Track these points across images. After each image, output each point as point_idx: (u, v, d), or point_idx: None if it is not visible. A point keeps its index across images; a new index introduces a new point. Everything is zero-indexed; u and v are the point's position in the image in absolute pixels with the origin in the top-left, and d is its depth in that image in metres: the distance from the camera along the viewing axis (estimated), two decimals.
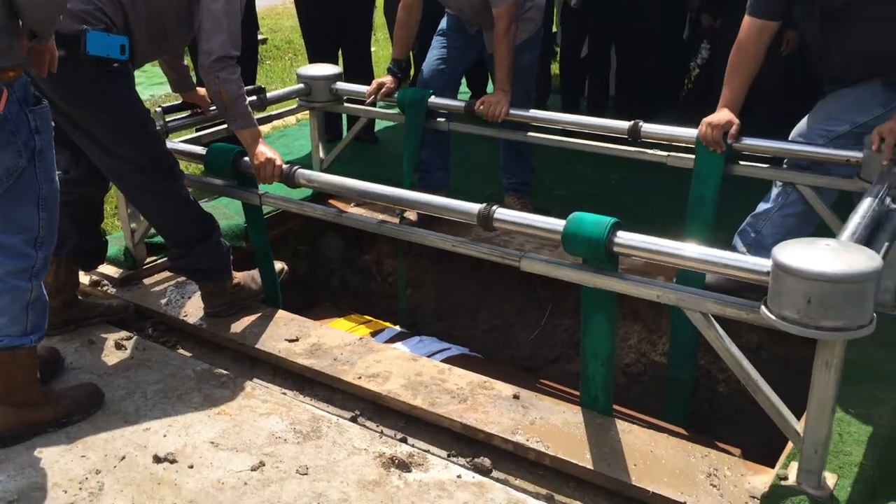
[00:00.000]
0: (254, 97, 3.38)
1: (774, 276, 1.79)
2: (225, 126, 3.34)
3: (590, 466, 2.14)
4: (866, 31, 2.60)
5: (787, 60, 4.20)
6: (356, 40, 5.24)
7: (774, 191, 2.86)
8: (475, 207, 2.29)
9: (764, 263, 1.84)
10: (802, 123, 2.81)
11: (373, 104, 3.74)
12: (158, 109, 3.12)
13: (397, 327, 3.49)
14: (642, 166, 3.27)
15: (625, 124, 3.09)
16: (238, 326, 2.86)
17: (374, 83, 3.69)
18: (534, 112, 3.44)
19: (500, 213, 2.27)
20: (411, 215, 3.53)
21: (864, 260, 1.74)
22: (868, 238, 2.05)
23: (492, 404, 2.41)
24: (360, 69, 5.08)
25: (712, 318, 1.99)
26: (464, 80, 5.17)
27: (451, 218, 2.36)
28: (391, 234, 2.60)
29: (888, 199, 2.28)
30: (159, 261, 3.28)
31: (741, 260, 1.92)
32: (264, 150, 2.69)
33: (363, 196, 2.61)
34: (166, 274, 3.25)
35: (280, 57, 9.23)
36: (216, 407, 2.44)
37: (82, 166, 2.68)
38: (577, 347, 3.55)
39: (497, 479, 2.18)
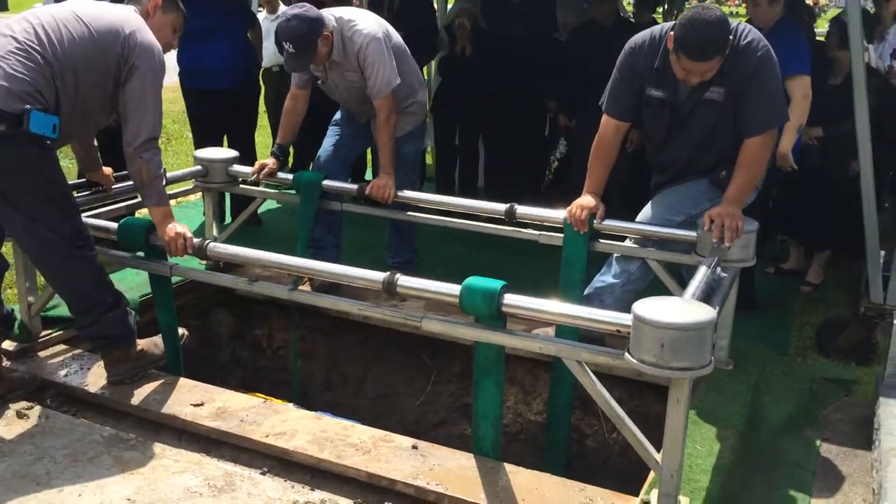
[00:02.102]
0: None
1: (635, 327, 2.19)
2: (124, 204, 3.50)
3: (484, 503, 2.42)
4: (700, 136, 3.17)
5: (632, 156, 4.83)
6: (242, 128, 5.51)
7: (616, 268, 3.32)
8: (381, 275, 2.59)
9: (626, 317, 2.23)
10: (646, 211, 3.32)
11: (255, 184, 3.98)
12: None
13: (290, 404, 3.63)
14: (512, 246, 3.66)
15: (502, 206, 3.50)
16: (141, 393, 2.96)
17: (257, 164, 3.93)
18: (421, 194, 3.81)
19: (403, 279, 2.57)
20: (305, 288, 3.76)
21: (703, 312, 2.17)
22: (703, 299, 2.50)
23: (393, 454, 2.65)
24: (245, 154, 5.33)
25: (585, 366, 2.36)
26: None
27: (356, 285, 2.63)
28: (300, 299, 2.83)
29: (718, 269, 2.77)
30: (54, 334, 3.33)
31: (609, 315, 2.31)
32: (175, 226, 2.89)
33: (276, 266, 2.83)
34: (62, 346, 3.30)
35: (166, 141, 9.28)
36: (128, 467, 2.53)
37: None
38: (462, 411, 3.89)
39: None
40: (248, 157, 5.42)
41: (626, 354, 2.23)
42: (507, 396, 3.81)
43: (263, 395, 3.63)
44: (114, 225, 3.03)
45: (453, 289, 2.49)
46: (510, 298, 2.43)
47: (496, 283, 2.44)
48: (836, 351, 3.80)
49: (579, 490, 2.49)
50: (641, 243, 3.31)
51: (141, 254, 3.03)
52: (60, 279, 2.88)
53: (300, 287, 3.76)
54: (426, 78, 6.29)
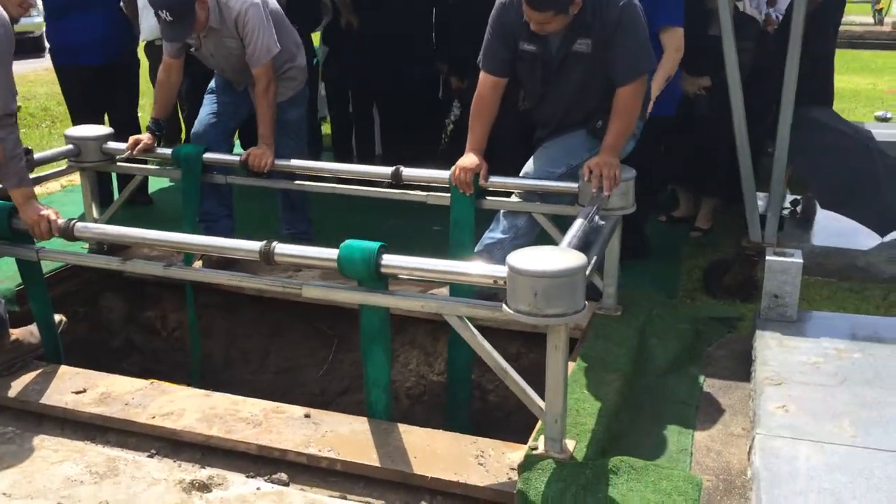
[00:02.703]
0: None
1: (510, 279, 2.20)
2: None
3: (376, 464, 2.42)
4: (573, 88, 3.20)
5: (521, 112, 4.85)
6: (123, 105, 5.28)
7: (503, 223, 3.35)
8: (256, 245, 2.53)
9: (502, 269, 2.25)
10: (529, 165, 3.35)
11: (130, 160, 3.83)
12: None
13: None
14: (408, 212, 3.64)
15: (388, 169, 3.47)
16: (20, 384, 2.83)
17: (131, 139, 3.79)
18: (302, 162, 3.74)
19: (280, 247, 2.52)
20: (198, 264, 3.65)
21: (573, 259, 2.21)
22: (581, 247, 2.55)
23: (285, 425, 2.62)
24: (128, 133, 5.10)
25: (467, 320, 2.37)
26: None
27: (234, 256, 2.57)
28: (178, 275, 2.75)
29: (597, 218, 2.82)
30: None
31: (484, 268, 2.33)
32: (38, 207, 2.75)
33: (146, 243, 2.74)
34: None
35: (36, 125, 8.83)
36: (3, 462, 2.42)
37: None
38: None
39: (294, 488, 2.38)
40: (132, 134, 5.21)
41: (504, 306, 2.25)
42: (409, 359, 3.83)
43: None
44: None
45: (331, 253, 2.46)
46: (388, 259, 2.41)
47: (373, 245, 2.42)
48: (722, 290, 3.94)
49: (471, 443, 2.52)
50: (526, 197, 3.34)
51: (4, 240, 2.87)
52: None
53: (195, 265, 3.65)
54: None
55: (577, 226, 2.67)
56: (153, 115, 3.86)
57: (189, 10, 3.47)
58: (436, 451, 2.48)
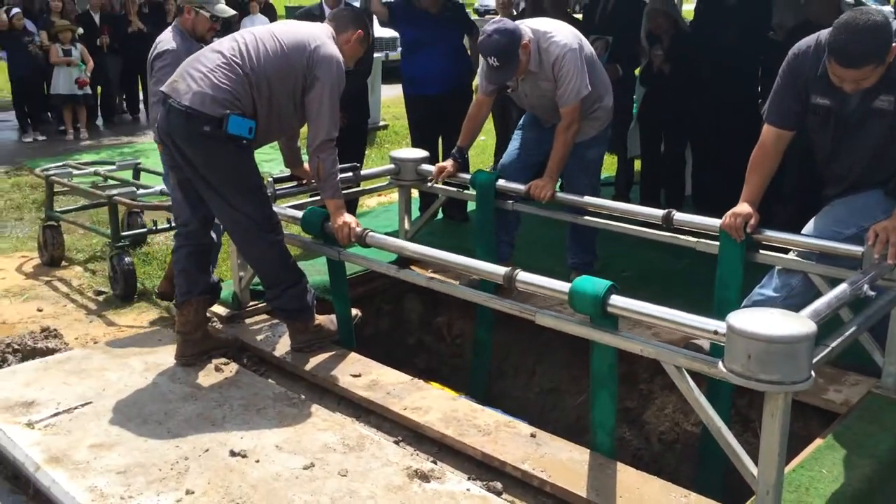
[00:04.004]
0: (349, 173, 4.04)
1: (728, 337, 2.16)
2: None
3: (583, 494, 2.51)
4: (872, 145, 2.95)
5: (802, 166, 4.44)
6: (454, 130, 5.90)
7: (776, 281, 3.17)
8: (501, 269, 2.77)
9: (722, 325, 2.21)
10: (813, 223, 3.14)
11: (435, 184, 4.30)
12: (270, 179, 3.80)
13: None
14: (708, 258, 3.54)
15: (660, 212, 3.50)
16: (314, 361, 3.42)
17: (437, 167, 4.24)
18: (585, 198, 3.89)
19: (522, 275, 2.73)
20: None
21: (798, 326, 2.09)
22: (831, 315, 2.37)
23: (511, 439, 2.82)
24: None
25: (685, 371, 2.36)
26: None
27: (479, 277, 2.84)
28: (429, 285, 3.12)
29: (866, 287, 2.58)
30: (259, 304, 3.92)
31: (705, 322, 2.29)
32: (344, 216, 3.30)
33: (413, 254, 3.14)
34: (264, 316, 3.88)
35: (398, 142, 10.11)
36: (285, 421, 2.97)
37: (199, 220, 3.35)
38: (622, 414, 3.91)
39: (503, 499, 2.58)
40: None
41: (720, 363, 2.21)
42: (666, 404, 3.79)
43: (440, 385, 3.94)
44: (298, 213, 3.52)
45: (564, 286, 2.61)
46: (615, 300, 2.49)
47: (604, 284, 2.51)
48: None
49: (682, 496, 2.49)
50: (805, 256, 3.14)
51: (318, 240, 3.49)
52: (251, 256, 3.43)
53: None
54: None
55: (836, 292, 2.50)
56: (458, 143, 4.31)
57: (514, 56, 3.80)
58: (643, 496, 2.50)
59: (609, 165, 7.31)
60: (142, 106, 11.68)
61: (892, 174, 2.93)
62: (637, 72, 6.08)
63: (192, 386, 3.24)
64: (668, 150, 5.88)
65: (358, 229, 3.26)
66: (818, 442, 2.69)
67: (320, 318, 3.53)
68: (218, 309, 3.85)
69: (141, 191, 5.16)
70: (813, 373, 2.13)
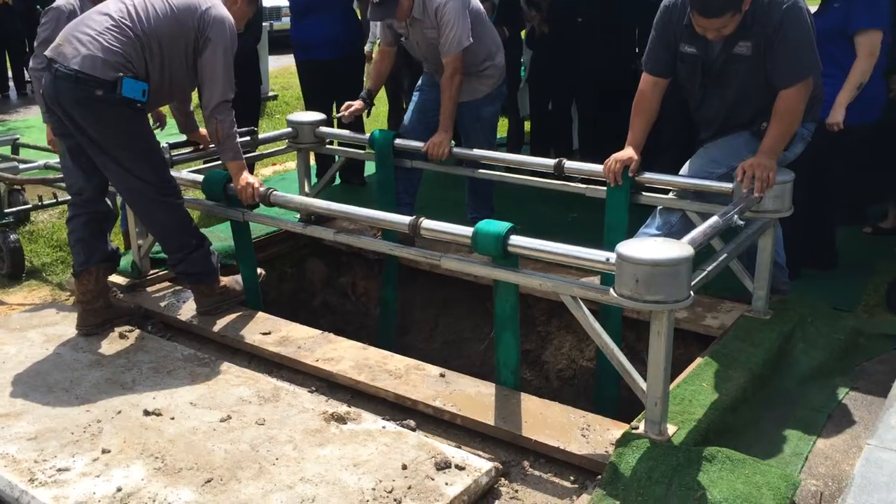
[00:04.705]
0: (247, 137, 4.04)
1: (618, 264, 2.36)
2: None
3: (491, 423, 2.68)
4: (736, 88, 3.21)
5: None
6: (348, 95, 5.93)
7: (658, 220, 3.42)
8: (406, 218, 2.88)
9: (612, 255, 2.40)
10: (691, 163, 3.40)
11: (345, 125, 4.43)
12: (165, 144, 3.76)
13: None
14: (597, 210, 3.76)
15: (551, 161, 3.69)
16: (222, 323, 3.44)
17: (346, 104, 4.39)
18: (479, 152, 4.05)
19: (426, 223, 2.85)
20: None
21: (678, 250, 2.31)
22: (705, 243, 2.61)
23: (421, 381, 2.96)
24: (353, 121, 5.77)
25: (580, 301, 2.55)
26: None
27: (388, 228, 2.94)
28: (336, 238, 3.20)
29: (735, 217, 2.84)
30: (161, 272, 3.88)
31: (596, 254, 2.48)
32: (247, 177, 3.32)
33: (318, 210, 3.20)
34: (166, 283, 3.85)
35: (289, 112, 9.99)
36: (198, 380, 3.00)
37: (93, 187, 3.30)
38: (524, 356, 4.12)
39: (418, 434, 2.71)
40: (356, 122, 5.86)
41: (611, 290, 2.40)
42: (563, 343, 4.02)
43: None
44: (199, 177, 3.51)
45: (468, 231, 2.75)
46: (515, 239, 2.65)
47: (505, 225, 2.67)
48: None
49: (580, 417, 2.69)
50: (681, 195, 3.39)
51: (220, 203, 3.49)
52: (150, 222, 3.40)
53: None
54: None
55: (710, 223, 2.73)
56: (367, 86, 4.48)
57: None
58: (546, 419, 2.68)
59: (501, 127, 7.54)
60: (11, 83, 11.08)
61: (758, 115, 3.20)
62: (523, 34, 6.27)
63: (96, 354, 3.21)
64: (556, 108, 6.11)
65: (262, 189, 3.29)
66: (699, 360, 2.95)
67: (225, 280, 3.55)
68: (118, 279, 3.80)
69: (22, 166, 4.96)
70: (692, 293, 2.35)
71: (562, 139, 6.20)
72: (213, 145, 3.86)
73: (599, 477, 2.37)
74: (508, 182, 4.05)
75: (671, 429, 2.50)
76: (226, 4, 3.33)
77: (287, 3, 6.25)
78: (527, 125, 6.89)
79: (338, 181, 6.11)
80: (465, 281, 4.12)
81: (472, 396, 2.84)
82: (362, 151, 4.40)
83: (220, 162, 4.00)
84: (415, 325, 4.49)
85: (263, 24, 11.69)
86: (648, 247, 2.33)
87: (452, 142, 4.16)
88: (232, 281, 3.56)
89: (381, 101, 8.37)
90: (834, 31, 3.68)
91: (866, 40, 3.65)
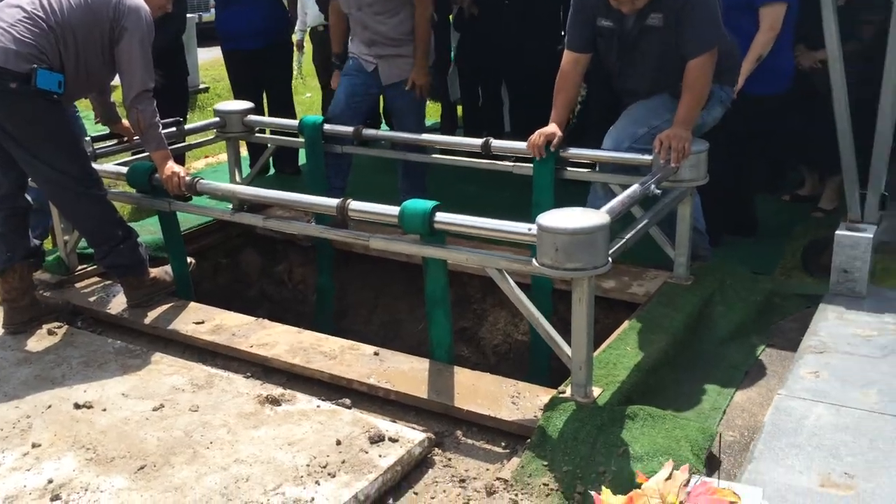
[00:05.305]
0: (173, 128, 4.00)
1: (538, 235, 2.43)
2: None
3: (424, 396, 2.74)
4: (652, 59, 3.32)
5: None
6: (278, 84, 5.91)
7: (591, 195, 3.53)
8: (333, 201, 2.91)
9: (533, 227, 2.47)
10: (614, 126, 3.50)
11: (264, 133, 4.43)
12: (88, 138, 3.70)
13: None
14: (527, 190, 3.83)
15: (478, 141, 3.75)
16: (154, 314, 3.42)
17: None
18: (407, 135, 4.10)
19: (354, 204, 2.89)
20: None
21: (594, 218, 2.39)
22: (623, 212, 2.70)
23: (356, 360, 2.99)
24: (283, 108, 5.75)
25: (505, 273, 2.62)
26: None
27: (316, 211, 2.96)
28: (265, 225, 3.20)
29: (653, 186, 2.95)
30: (89, 268, 3.83)
31: (519, 226, 2.55)
32: (172, 166, 3.29)
33: (245, 196, 3.21)
34: (94, 279, 3.80)
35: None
36: (129, 371, 2.98)
37: (10, 182, 3.23)
38: (459, 334, 4.19)
39: (353, 412, 2.75)
40: (287, 110, 5.84)
41: (534, 261, 2.48)
42: (498, 319, 4.10)
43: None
44: (123, 169, 3.47)
45: (395, 210, 2.79)
46: (441, 216, 2.70)
47: (429, 204, 2.72)
48: (818, 269, 3.86)
49: (511, 385, 2.77)
50: (606, 169, 3.49)
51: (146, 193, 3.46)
52: (74, 216, 3.35)
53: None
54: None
55: (628, 192, 2.83)
56: (334, 50, 4.63)
57: None
58: (478, 390, 2.75)
59: (435, 111, 7.58)
60: None
61: (678, 83, 3.31)
62: (451, 17, 6.31)
63: (24, 352, 3.16)
64: (486, 91, 6.18)
65: (188, 178, 3.27)
66: (624, 326, 3.06)
67: (154, 271, 3.52)
68: (45, 276, 3.73)
69: None
70: (610, 260, 2.44)
71: (494, 121, 6.27)
72: (136, 137, 3.84)
73: (529, 440, 2.45)
74: (439, 164, 4.11)
75: (596, 391, 2.59)
76: None
77: None
78: (460, 109, 6.95)
79: (272, 171, 6.08)
80: (401, 263, 4.16)
81: (406, 372, 2.89)
82: (293, 139, 4.40)
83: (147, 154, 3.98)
84: (352, 308, 4.52)
85: (191, 15, 11.53)
86: (566, 216, 2.41)
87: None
88: (161, 272, 3.54)
89: (316, 90, 8.35)
90: (742, 3, 3.82)
91: (770, 13, 3.80)
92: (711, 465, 2.36)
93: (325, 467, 2.32)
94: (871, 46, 4.07)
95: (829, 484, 2.06)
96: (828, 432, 2.22)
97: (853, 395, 2.41)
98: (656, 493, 1.75)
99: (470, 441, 2.60)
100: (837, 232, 3.14)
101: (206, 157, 6.98)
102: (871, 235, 3.04)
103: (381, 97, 5.10)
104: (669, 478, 1.79)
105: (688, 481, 1.83)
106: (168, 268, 3.56)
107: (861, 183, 3.56)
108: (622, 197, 2.77)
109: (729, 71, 3.37)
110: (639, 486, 1.94)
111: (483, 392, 2.73)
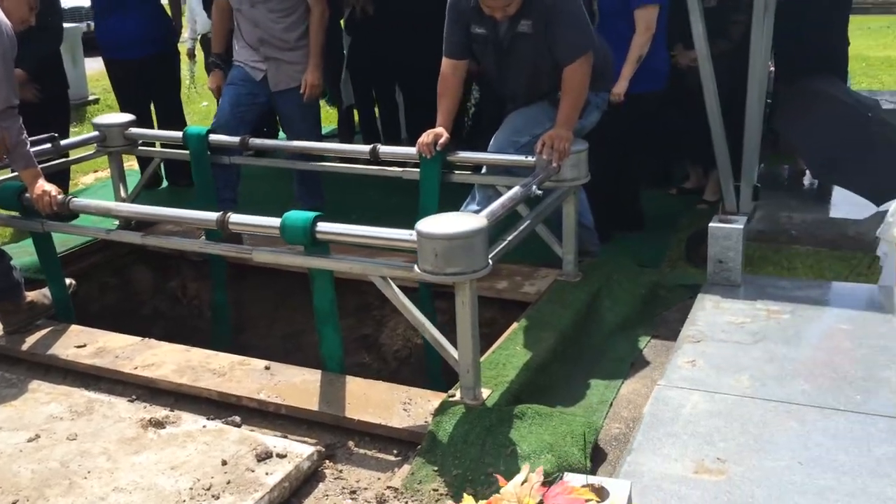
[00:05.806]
0: (47, 144, 3.82)
1: (418, 242, 2.43)
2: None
3: (314, 409, 2.71)
4: (526, 65, 3.38)
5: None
6: (166, 94, 5.74)
7: (478, 195, 3.57)
8: (213, 215, 2.84)
9: (413, 233, 2.48)
10: (497, 136, 3.55)
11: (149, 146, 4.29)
12: None
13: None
14: (417, 194, 3.83)
15: (366, 147, 3.73)
16: (32, 339, 3.26)
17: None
18: (297, 143, 4.06)
19: (234, 217, 2.83)
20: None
21: (471, 223, 2.41)
22: (504, 214, 2.74)
23: (246, 375, 2.94)
24: (172, 119, 5.59)
25: (389, 280, 2.62)
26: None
27: (194, 226, 2.89)
28: (143, 242, 3.11)
29: (534, 187, 3.00)
30: None
31: (401, 233, 2.55)
32: (42, 184, 3.15)
33: (120, 213, 3.10)
34: None
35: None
36: (3, 401, 2.83)
37: None
38: (360, 342, 4.18)
39: (242, 429, 2.69)
40: (177, 120, 5.68)
41: (415, 267, 2.48)
42: (398, 324, 4.10)
43: None
44: None
45: (276, 221, 2.75)
46: (322, 226, 2.68)
47: (311, 214, 2.69)
48: (701, 259, 4.01)
49: (403, 392, 2.77)
50: (493, 171, 3.53)
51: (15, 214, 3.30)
52: None
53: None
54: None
55: (510, 194, 2.87)
56: (214, 50, 4.50)
57: None
58: (370, 399, 2.74)
59: (332, 117, 7.52)
60: None
61: (555, 86, 3.38)
62: (342, 22, 6.26)
63: None
64: (380, 95, 6.16)
65: (59, 197, 3.13)
66: (514, 326, 3.10)
67: (31, 295, 3.36)
68: None
69: None
70: (490, 262, 2.47)
71: (391, 127, 6.26)
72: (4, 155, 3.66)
73: (419, 447, 2.45)
74: (331, 171, 4.08)
75: (485, 392, 2.62)
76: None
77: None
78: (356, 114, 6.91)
79: (164, 184, 5.91)
80: (298, 274, 4.08)
81: (297, 385, 2.86)
82: (179, 150, 4.27)
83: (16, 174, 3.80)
84: (251, 322, 4.43)
85: (79, 24, 11.09)
86: (445, 222, 2.42)
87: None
88: (39, 295, 3.38)
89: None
90: (618, 6, 3.94)
91: (644, 15, 3.93)
92: (598, 458, 2.43)
93: (208, 489, 2.27)
94: (740, 45, 4.26)
95: (702, 470, 2.14)
96: (702, 419, 2.31)
97: (726, 382, 2.51)
98: (514, 496, 1.78)
99: (362, 451, 2.58)
100: (711, 224, 3.28)
101: (96, 171, 6.72)
102: (742, 226, 3.18)
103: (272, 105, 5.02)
104: (525, 481, 1.83)
105: (550, 483, 1.88)
106: (45, 290, 3.41)
107: (735, 175, 3.73)
108: (503, 199, 2.81)
109: (602, 77, 3.47)
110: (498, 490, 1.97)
111: (375, 401, 2.72)
